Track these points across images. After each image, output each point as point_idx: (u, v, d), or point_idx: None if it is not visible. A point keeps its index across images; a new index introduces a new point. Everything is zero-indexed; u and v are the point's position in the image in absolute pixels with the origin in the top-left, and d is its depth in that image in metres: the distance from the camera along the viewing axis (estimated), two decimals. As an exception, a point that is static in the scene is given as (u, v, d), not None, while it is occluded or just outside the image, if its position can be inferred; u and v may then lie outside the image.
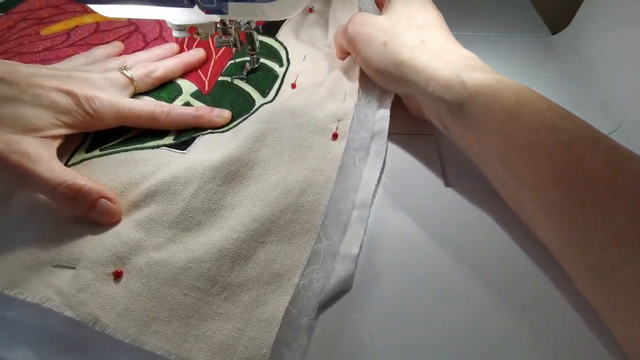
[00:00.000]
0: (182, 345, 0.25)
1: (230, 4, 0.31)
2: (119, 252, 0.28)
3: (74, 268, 0.28)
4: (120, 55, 0.44)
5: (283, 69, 0.45)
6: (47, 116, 0.32)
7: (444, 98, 0.33)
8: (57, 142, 0.33)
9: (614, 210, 0.25)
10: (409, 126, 0.40)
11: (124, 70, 0.38)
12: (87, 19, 0.48)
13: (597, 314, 0.28)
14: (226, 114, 0.39)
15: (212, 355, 0.25)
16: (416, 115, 0.40)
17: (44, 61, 0.43)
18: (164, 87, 0.41)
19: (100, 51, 0.43)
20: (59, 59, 0.44)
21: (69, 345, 0.27)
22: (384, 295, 0.30)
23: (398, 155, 0.40)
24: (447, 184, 0.37)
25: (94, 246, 0.29)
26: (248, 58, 0.44)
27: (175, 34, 0.37)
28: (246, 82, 0.43)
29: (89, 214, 0.30)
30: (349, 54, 0.42)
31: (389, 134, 0.39)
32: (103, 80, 0.36)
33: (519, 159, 0.29)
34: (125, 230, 0.30)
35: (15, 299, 0.27)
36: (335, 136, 0.35)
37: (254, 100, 0.41)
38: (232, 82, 0.43)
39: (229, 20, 0.38)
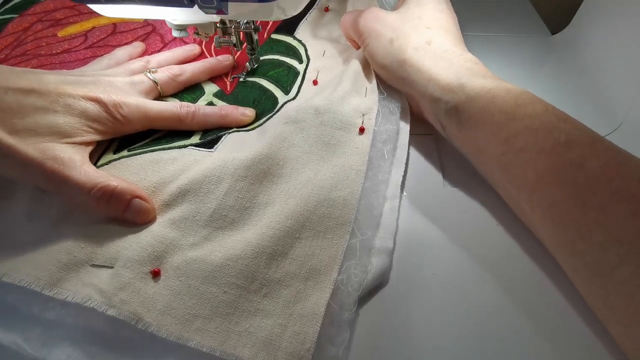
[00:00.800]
0: (226, 342, 0.26)
1: (230, 4, 0.32)
2: (156, 251, 0.29)
3: (112, 267, 0.29)
4: (142, 55, 0.44)
5: (303, 66, 0.46)
6: (79, 124, 0.32)
7: (442, 99, 0.34)
8: (89, 148, 0.34)
9: (613, 210, 0.25)
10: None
11: (149, 74, 0.39)
12: (104, 20, 0.48)
13: (595, 314, 0.28)
14: (250, 112, 0.40)
15: (257, 352, 0.26)
16: (417, 114, 0.41)
17: (63, 63, 0.44)
18: (186, 88, 0.42)
19: (122, 52, 0.43)
20: (78, 61, 0.44)
21: (111, 343, 0.27)
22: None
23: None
24: (447, 183, 0.38)
25: (130, 245, 0.30)
26: (268, 57, 0.45)
27: (175, 33, 0.38)
28: (268, 80, 0.44)
29: (124, 214, 0.31)
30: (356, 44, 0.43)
31: None
32: (128, 85, 0.37)
33: (518, 160, 0.30)
34: (159, 230, 0.30)
35: (54, 299, 0.27)
36: (362, 130, 0.36)
37: (276, 98, 0.42)
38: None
39: (229, 20, 0.39)
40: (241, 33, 0.41)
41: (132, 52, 0.44)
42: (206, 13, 0.32)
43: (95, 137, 0.34)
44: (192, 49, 0.45)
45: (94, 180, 0.31)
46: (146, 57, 0.42)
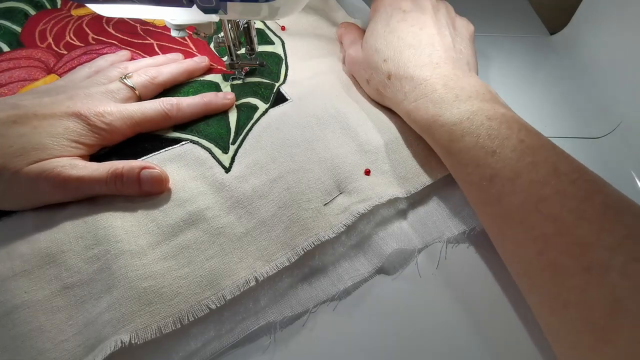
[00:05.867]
0: None
1: (229, 4, 0.32)
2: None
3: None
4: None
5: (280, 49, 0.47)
6: (65, 142, 0.32)
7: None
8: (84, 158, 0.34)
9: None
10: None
11: (125, 79, 0.37)
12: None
13: None
14: (231, 95, 0.40)
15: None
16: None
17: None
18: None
19: (103, 61, 0.41)
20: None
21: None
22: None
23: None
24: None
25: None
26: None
27: (174, 33, 0.37)
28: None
29: (142, 188, 0.32)
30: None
31: None
32: (105, 94, 0.35)
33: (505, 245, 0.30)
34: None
35: None
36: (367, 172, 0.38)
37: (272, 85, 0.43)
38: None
39: (228, 21, 0.38)
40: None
41: (114, 60, 0.42)
42: (205, 13, 0.32)
43: (84, 151, 0.33)
44: (176, 57, 0.44)
45: (104, 170, 0.31)
46: (124, 64, 0.41)
